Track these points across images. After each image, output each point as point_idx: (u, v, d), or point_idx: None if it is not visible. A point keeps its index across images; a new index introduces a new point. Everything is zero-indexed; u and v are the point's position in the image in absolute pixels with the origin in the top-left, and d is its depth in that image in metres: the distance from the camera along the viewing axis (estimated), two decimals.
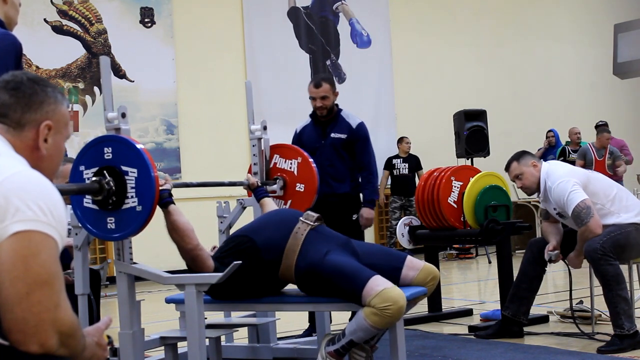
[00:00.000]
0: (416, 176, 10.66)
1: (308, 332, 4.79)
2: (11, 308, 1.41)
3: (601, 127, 10.19)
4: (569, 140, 11.05)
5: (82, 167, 3.16)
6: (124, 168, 3.08)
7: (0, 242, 1.43)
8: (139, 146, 3.12)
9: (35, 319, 1.41)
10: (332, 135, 4.83)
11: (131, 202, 3.09)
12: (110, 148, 3.11)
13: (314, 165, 4.29)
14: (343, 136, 4.82)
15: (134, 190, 3.08)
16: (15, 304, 1.41)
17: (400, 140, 10.85)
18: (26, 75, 1.71)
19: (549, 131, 11.24)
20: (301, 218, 3.44)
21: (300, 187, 4.29)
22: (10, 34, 2.83)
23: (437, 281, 3.48)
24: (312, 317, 4.80)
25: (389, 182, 10.76)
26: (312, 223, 3.41)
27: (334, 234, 3.50)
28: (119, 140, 3.13)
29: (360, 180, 4.91)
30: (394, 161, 10.70)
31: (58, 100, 1.72)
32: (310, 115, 4.94)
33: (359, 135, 4.85)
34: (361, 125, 4.88)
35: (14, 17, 3.00)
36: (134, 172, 3.07)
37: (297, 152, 4.33)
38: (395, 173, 10.65)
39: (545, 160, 8.08)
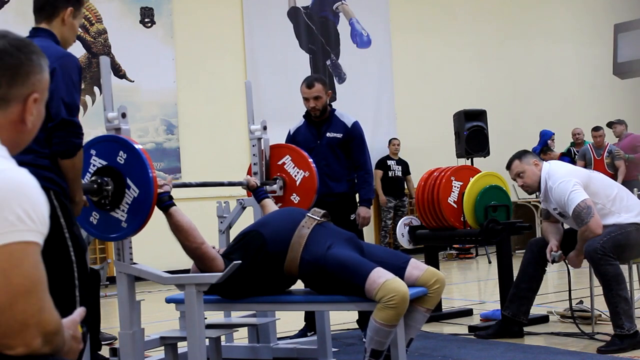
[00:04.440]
0: (405, 181, 10.77)
1: (303, 332, 4.77)
2: None
3: (597, 127, 10.22)
4: (573, 141, 11.08)
5: (93, 151, 3.16)
6: (129, 181, 3.08)
7: None
8: (137, 146, 3.13)
9: (20, 325, 1.39)
10: (328, 134, 4.80)
11: (120, 214, 3.11)
12: (125, 155, 3.11)
13: (317, 184, 4.26)
14: (339, 135, 4.80)
15: (127, 206, 3.09)
16: (0, 313, 1.38)
17: (392, 142, 10.85)
18: (7, 41, 1.53)
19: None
20: (308, 214, 3.50)
21: (295, 198, 4.27)
22: (72, 55, 2.98)
23: (443, 286, 3.45)
24: (307, 316, 4.80)
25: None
26: (318, 218, 3.46)
27: (339, 229, 3.55)
28: (134, 152, 3.11)
29: (356, 179, 4.90)
30: (389, 162, 10.70)
31: (43, 69, 1.59)
32: (304, 116, 4.92)
33: (355, 134, 4.83)
34: (356, 124, 4.86)
35: (69, 38, 3.10)
36: (136, 192, 3.08)
37: (309, 166, 4.27)
38: (390, 175, 10.63)
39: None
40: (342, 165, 4.83)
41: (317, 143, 4.79)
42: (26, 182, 1.43)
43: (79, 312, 1.60)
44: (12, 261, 1.38)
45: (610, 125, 10.48)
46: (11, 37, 1.55)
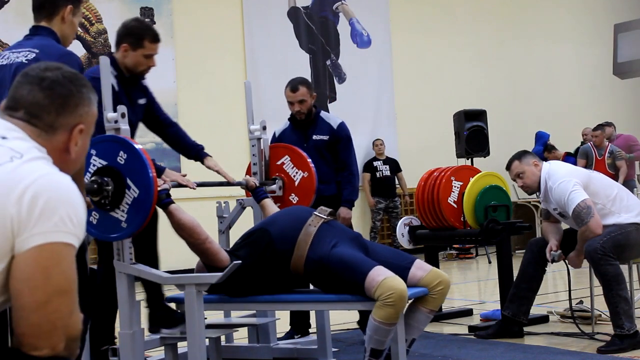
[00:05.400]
0: (396, 179, 10.62)
1: (290, 335, 4.72)
2: (28, 314, 1.42)
3: (598, 126, 10.24)
4: (583, 140, 11.10)
5: (93, 151, 3.16)
6: (129, 181, 3.08)
7: (21, 252, 1.42)
8: (137, 146, 3.13)
9: (51, 325, 1.43)
10: (314, 137, 4.76)
11: (120, 214, 3.11)
12: (125, 155, 3.11)
13: (316, 185, 4.24)
14: (325, 138, 4.76)
15: (127, 206, 3.09)
16: (33, 311, 1.42)
17: (375, 142, 10.69)
18: (61, 73, 1.62)
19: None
20: (315, 212, 3.51)
21: (293, 199, 4.26)
22: (74, 53, 3.01)
23: (447, 287, 3.42)
24: (293, 320, 4.77)
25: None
26: (325, 217, 3.47)
27: (345, 229, 3.57)
28: (134, 152, 3.11)
29: (341, 180, 4.83)
30: (375, 163, 10.56)
31: (92, 102, 1.66)
32: (289, 119, 4.87)
33: (341, 136, 4.79)
34: (342, 125, 4.81)
35: (69, 36, 3.13)
36: (136, 192, 3.07)
37: (308, 166, 4.26)
38: (378, 175, 10.50)
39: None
40: (330, 167, 4.78)
41: (303, 146, 4.69)
42: (70, 187, 1.50)
43: None
44: (53, 260, 1.43)
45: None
46: (65, 69, 1.64)
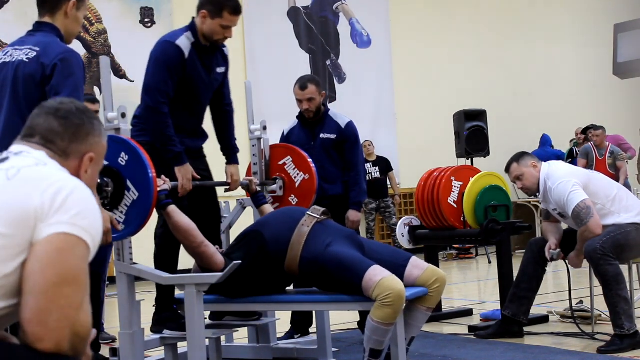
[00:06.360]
0: (387, 178, 10.43)
1: (290, 335, 4.71)
2: (37, 296, 1.43)
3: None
4: (576, 140, 11.11)
5: None
6: (129, 184, 3.08)
7: (38, 240, 1.48)
8: (139, 147, 3.13)
9: (59, 313, 1.43)
10: (322, 136, 4.73)
11: (118, 215, 3.11)
12: (127, 156, 3.10)
13: (316, 187, 4.23)
14: (332, 137, 4.72)
15: (126, 207, 3.09)
16: (42, 292, 1.43)
17: (363, 144, 10.47)
18: (75, 105, 1.75)
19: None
20: (308, 212, 3.50)
21: (293, 200, 4.25)
22: (75, 51, 2.97)
23: (443, 285, 3.43)
24: (294, 318, 4.77)
25: None
26: (318, 216, 3.46)
27: (339, 227, 3.55)
28: (135, 154, 3.11)
29: (348, 180, 4.79)
30: (365, 166, 10.42)
31: (102, 134, 1.78)
32: (297, 117, 4.85)
33: (349, 135, 4.75)
34: (350, 125, 4.77)
35: (73, 31, 3.10)
36: (135, 194, 3.07)
37: (309, 169, 4.24)
38: (367, 178, 10.33)
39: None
40: (337, 166, 4.75)
41: (311, 145, 4.70)
42: (90, 197, 1.58)
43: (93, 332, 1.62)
44: (68, 243, 1.48)
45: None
46: (77, 103, 1.78)
